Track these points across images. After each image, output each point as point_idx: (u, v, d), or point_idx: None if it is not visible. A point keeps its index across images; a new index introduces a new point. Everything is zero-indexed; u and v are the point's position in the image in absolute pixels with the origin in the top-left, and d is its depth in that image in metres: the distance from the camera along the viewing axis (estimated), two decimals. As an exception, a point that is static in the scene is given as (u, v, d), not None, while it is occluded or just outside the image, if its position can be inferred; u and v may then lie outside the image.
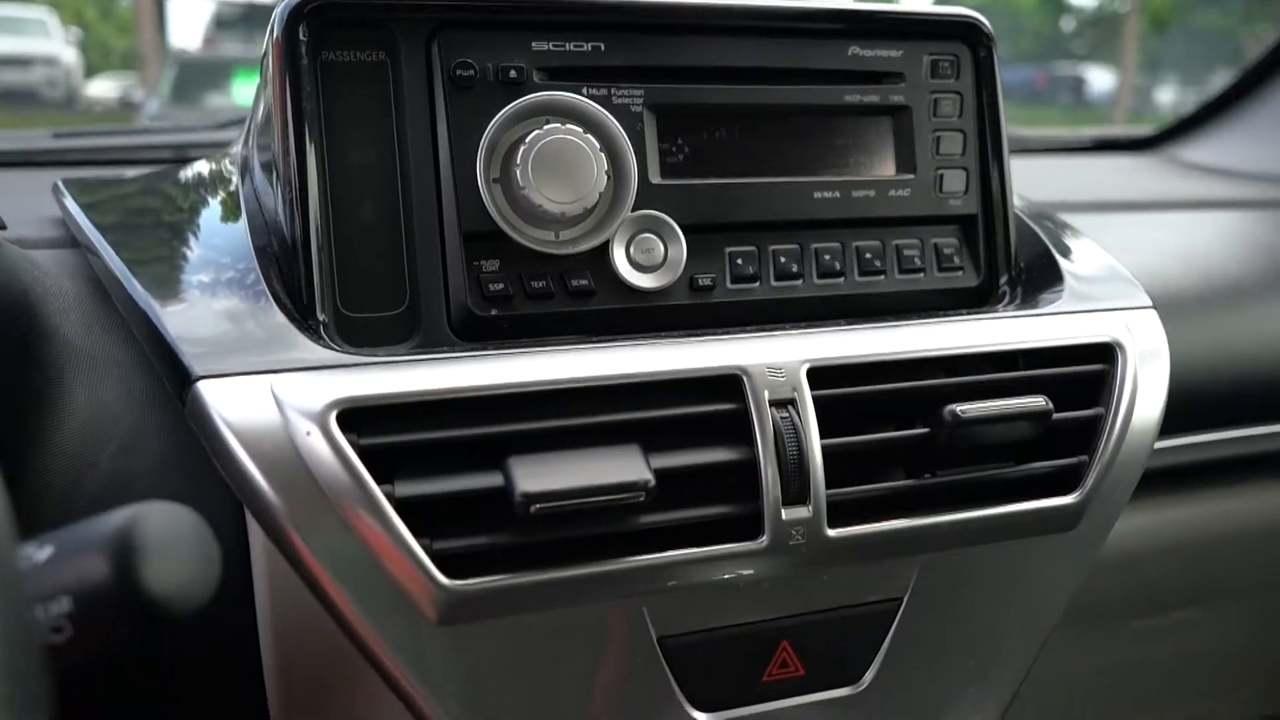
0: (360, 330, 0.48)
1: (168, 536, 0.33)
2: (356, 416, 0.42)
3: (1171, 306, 0.58)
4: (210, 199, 0.55)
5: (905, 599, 0.50)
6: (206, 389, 0.42)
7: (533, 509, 0.42)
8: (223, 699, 0.49)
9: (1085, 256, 0.60)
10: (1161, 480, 0.82)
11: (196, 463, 0.44)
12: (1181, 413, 0.75)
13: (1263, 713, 1.23)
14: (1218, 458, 0.76)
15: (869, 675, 0.50)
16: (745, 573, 0.46)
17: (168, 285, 0.47)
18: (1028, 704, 1.09)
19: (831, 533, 0.47)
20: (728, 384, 0.47)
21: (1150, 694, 1.14)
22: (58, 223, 0.57)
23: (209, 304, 0.46)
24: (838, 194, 0.55)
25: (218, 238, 0.50)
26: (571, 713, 0.45)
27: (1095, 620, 1.02)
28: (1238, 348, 0.77)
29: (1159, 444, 0.76)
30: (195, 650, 0.47)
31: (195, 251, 0.50)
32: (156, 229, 0.52)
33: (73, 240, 0.54)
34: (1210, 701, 1.18)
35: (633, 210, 0.51)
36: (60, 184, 0.57)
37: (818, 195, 0.54)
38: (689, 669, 0.47)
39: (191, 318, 0.45)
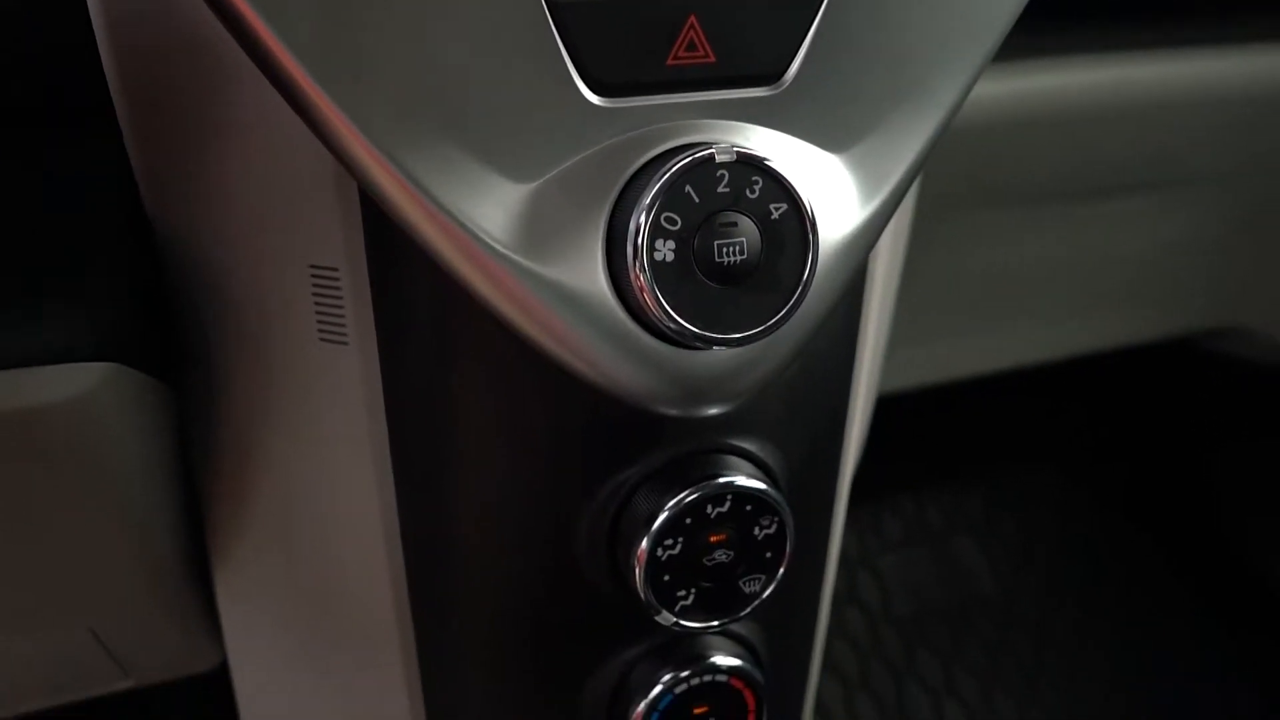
0: None
1: None
2: None
3: None
4: None
5: (832, -16, 0.44)
6: None
7: None
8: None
9: None
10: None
11: None
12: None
13: (1198, 325, 1.24)
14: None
15: (789, 75, 0.44)
16: None
17: None
18: (959, 295, 1.08)
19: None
20: None
21: (1091, 291, 1.13)
22: None
23: None
24: None
25: None
26: (452, 92, 0.40)
27: (1040, 201, 0.98)
28: None
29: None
30: None
31: None
32: None
33: None
34: (1146, 309, 1.18)
35: None
36: None
37: None
38: (582, 39, 0.41)
39: None
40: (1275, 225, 1.13)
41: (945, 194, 0.93)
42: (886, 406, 1.27)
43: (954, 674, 1.39)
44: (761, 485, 0.49)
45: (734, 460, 0.49)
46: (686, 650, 0.54)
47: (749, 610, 0.51)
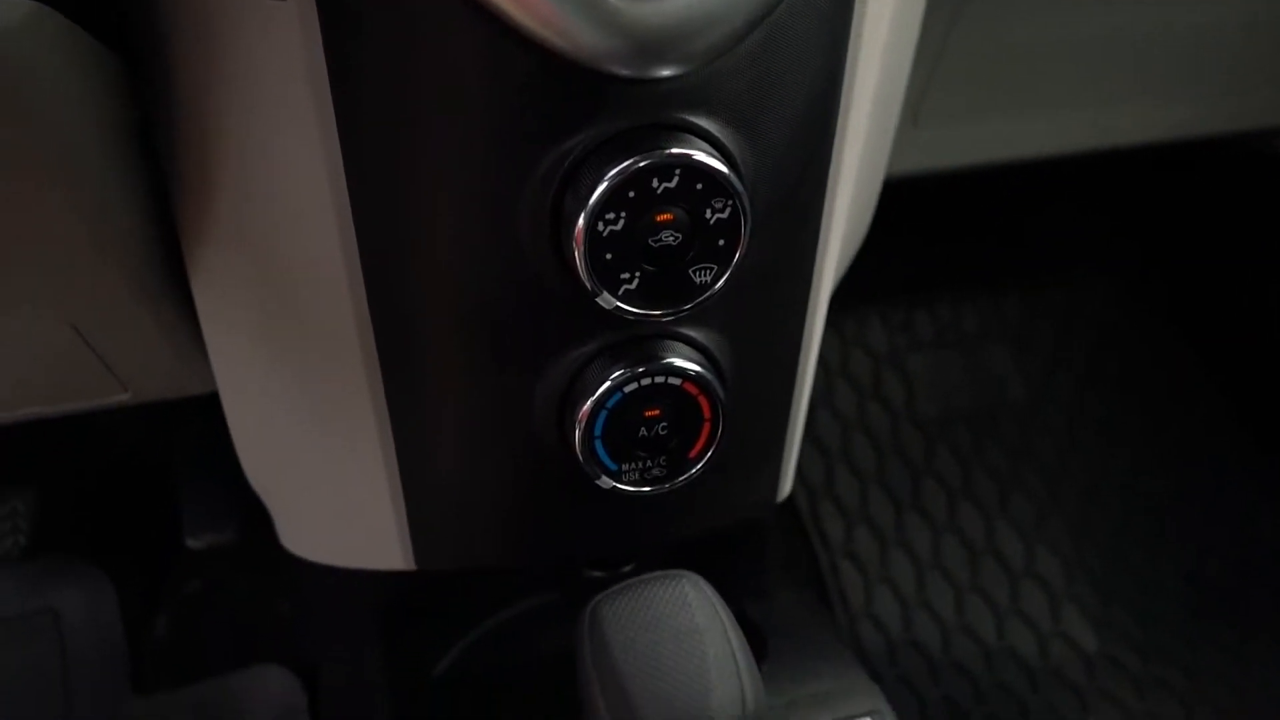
0: None
1: None
2: None
3: None
4: None
5: None
6: None
7: None
8: None
9: None
10: None
11: None
12: None
13: (1264, 121, 1.15)
14: None
15: None
16: None
17: None
18: (997, 72, 1.01)
19: None
20: None
21: (1145, 73, 1.05)
22: None
23: None
24: None
25: None
26: None
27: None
28: None
29: None
30: None
31: None
32: None
33: None
34: (1204, 97, 1.10)
35: None
36: None
37: None
38: None
39: None
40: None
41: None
42: (921, 194, 1.22)
43: (973, 475, 1.38)
44: (715, 163, 0.46)
45: (688, 137, 0.46)
46: (641, 351, 0.53)
47: (699, 302, 0.49)
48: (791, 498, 1.35)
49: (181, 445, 1.24)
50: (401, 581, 0.79)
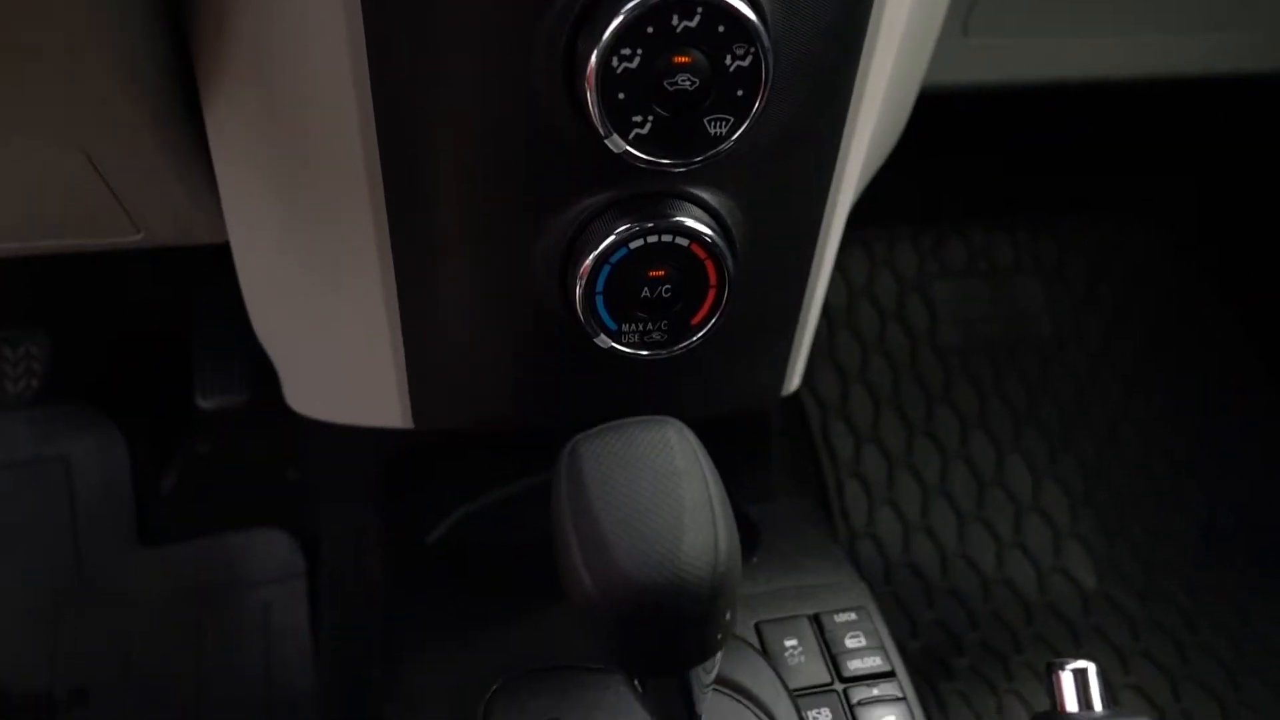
0: None
1: None
2: None
3: None
4: None
5: None
6: None
7: None
8: None
9: None
10: None
11: None
12: None
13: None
14: None
15: None
16: None
17: None
18: None
19: None
20: None
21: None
22: None
23: None
24: None
25: None
26: None
27: None
28: None
29: None
30: None
31: None
32: None
33: None
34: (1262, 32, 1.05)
35: None
36: None
37: None
38: None
39: None
40: None
41: None
42: (966, 117, 1.18)
43: (989, 406, 1.37)
44: (741, 5, 0.44)
45: None
46: (650, 208, 0.51)
47: (711, 155, 0.47)
48: (803, 413, 1.34)
49: (199, 307, 1.25)
50: (400, 447, 0.79)
